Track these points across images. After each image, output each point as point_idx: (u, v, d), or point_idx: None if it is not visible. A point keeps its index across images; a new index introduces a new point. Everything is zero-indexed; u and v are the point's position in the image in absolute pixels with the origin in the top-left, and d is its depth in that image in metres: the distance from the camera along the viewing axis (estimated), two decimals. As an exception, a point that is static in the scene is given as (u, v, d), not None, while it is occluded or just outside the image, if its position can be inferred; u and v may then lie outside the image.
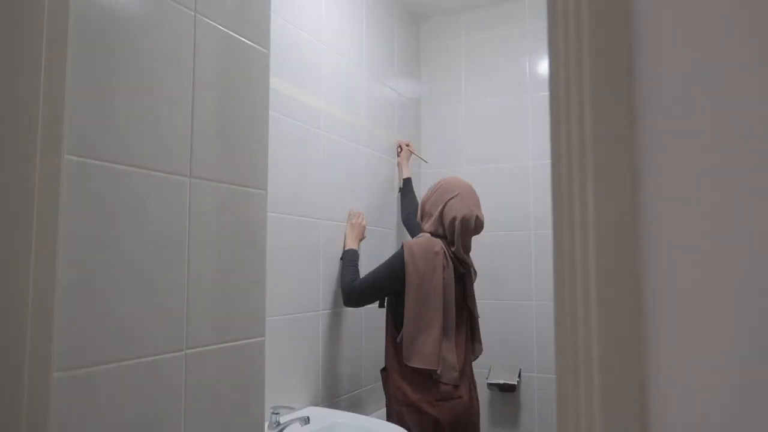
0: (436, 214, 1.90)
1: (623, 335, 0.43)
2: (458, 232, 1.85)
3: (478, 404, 1.94)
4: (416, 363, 1.81)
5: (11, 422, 0.76)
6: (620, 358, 0.43)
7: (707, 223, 0.42)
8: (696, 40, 0.43)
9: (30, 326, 0.76)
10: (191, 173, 0.97)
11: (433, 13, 2.84)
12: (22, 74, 0.82)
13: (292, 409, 1.66)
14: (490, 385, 2.49)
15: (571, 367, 0.46)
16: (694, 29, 0.43)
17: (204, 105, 1.00)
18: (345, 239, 2.10)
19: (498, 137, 2.67)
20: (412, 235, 2.22)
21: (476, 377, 2.09)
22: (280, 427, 1.56)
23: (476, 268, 2.07)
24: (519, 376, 2.50)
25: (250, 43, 1.11)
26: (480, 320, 2.05)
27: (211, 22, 1.02)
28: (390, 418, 1.88)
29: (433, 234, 1.91)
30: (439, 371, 1.81)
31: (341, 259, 2.06)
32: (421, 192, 2.70)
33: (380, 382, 2.37)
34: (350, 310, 2.14)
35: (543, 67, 2.60)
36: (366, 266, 2.19)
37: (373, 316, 2.33)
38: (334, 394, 2.04)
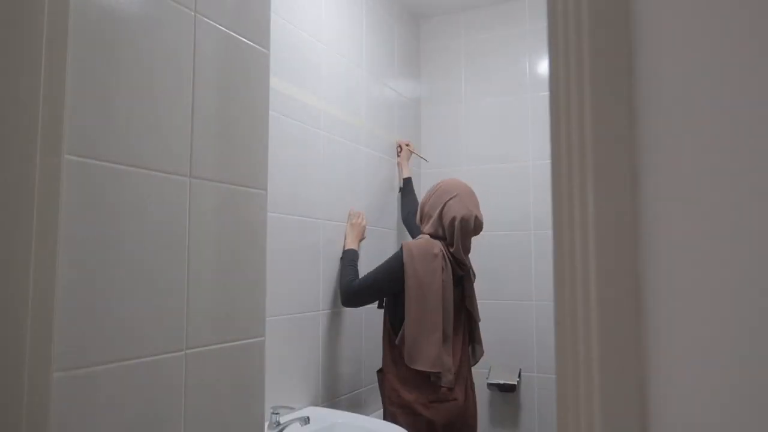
0: (435, 215, 1.90)
1: (623, 335, 0.43)
2: (458, 233, 1.85)
3: (474, 407, 1.94)
4: (420, 366, 1.81)
5: (11, 422, 0.76)
6: (620, 358, 0.43)
7: (707, 223, 0.42)
8: (696, 40, 0.43)
9: (30, 326, 0.76)
10: (191, 173, 0.97)
11: (433, 13, 2.84)
12: (22, 74, 0.82)
13: (292, 409, 1.66)
14: (490, 385, 2.49)
15: (571, 367, 0.46)
16: (694, 29, 0.43)
17: (204, 105, 1.00)
18: (345, 239, 2.10)
19: (498, 137, 2.67)
20: (412, 235, 2.22)
21: (476, 377, 2.10)
22: (280, 427, 1.56)
23: (475, 270, 2.07)
24: (519, 376, 2.50)
25: (250, 43, 1.11)
26: (480, 321, 2.04)
27: (211, 22, 1.02)
28: (385, 419, 1.88)
29: (433, 235, 1.91)
30: (444, 380, 1.81)
31: (341, 259, 2.06)
32: (421, 192, 2.70)
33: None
34: (350, 310, 2.14)
35: (543, 67, 2.60)
36: (366, 266, 2.19)
37: (372, 316, 2.33)
38: (334, 394, 2.04)
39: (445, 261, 1.85)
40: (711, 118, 0.42)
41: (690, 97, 0.43)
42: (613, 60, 0.45)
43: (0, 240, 0.81)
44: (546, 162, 2.44)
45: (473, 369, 2.02)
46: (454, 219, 1.85)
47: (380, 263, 1.93)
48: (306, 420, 1.58)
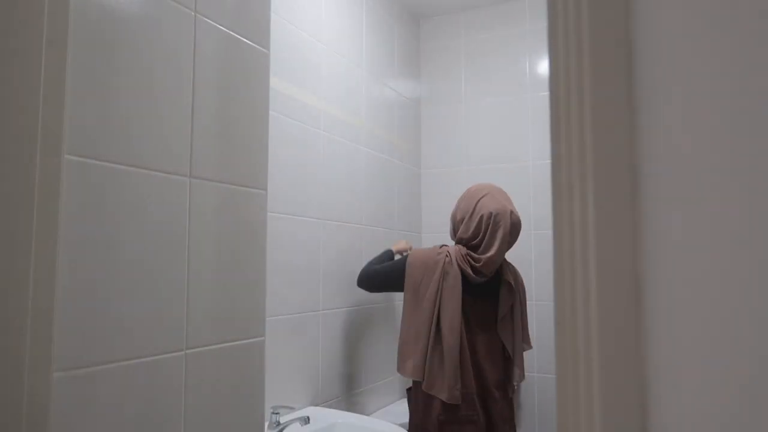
0: (467, 216, 1.82)
1: (623, 335, 0.43)
2: (490, 229, 1.76)
3: (509, 429, 1.80)
4: (403, 372, 1.79)
5: (11, 422, 0.76)
6: (620, 358, 0.43)
7: (707, 223, 0.42)
8: (696, 40, 0.43)
9: (30, 326, 0.76)
10: (191, 173, 0.97)
11: (433, 13, 2.84)
12: (22, 74, 0.82)
13: (292, 409, 1.66)
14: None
15: (571, 367, 0.46)
16: (695, 29, 0.43)
17: (204, 105, 1.00)
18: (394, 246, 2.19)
19: (498, 137, 2.67)
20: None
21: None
22: (280, 427, 1.56)
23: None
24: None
25: (250, 43, 1.11)
26: (531, 347, 1.96)
27: (211, 22, 1.02)
28: None
29: (464, 240, 1.83)
30: (424, 383, 1.73)
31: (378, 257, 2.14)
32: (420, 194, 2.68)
33: (380, 382, 2.38)
34: (350, 310, 2.14)
35: (543, 67, 2.60)
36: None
37: (372, 315, 2.33)
38: (334, 394, 2.04)
39: (451, 266, 1.77)
40: (711, 118, 0.42)
41: (690, 97, 0.43)
42: (613, 60, 0.45)
43: (0, 240, 0.81)
44: (546, 162, 2.44)
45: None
46: (483, 216, 1.77)
47: (386, 264, 1.96)
48: (306, 420, 1.58)
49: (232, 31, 1.07)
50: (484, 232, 1.78)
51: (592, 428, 0.44)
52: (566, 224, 0.47)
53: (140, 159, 0.88)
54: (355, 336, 2.19)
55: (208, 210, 1.00)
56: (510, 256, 2.56)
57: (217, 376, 1.00)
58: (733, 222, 0.41)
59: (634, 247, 0.44)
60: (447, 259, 1.79)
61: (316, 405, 1.91)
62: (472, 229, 1.80)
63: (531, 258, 2.53)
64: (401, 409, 2.26)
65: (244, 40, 1.10)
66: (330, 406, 1.97)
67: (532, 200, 2.54)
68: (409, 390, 1.89)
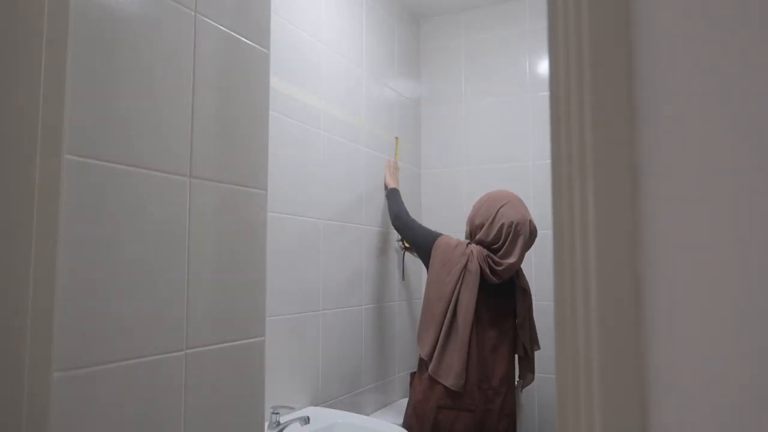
0: (487, 223, 1.91)
1: (623, 335, 0.43)
2: (511, 237, 1.86)
3: (501, 426, 1.86)
4: (420, 346, 1.90)
5: (11, 422, 0.76)
6: (620, 358, 0.43)
7: (707, 223, 0.42)
8: (696, 40, 0.43)
9: (30, 326, 0.76)
10: (191, 173, 0.97)
11: (433, 13, 2.84)
12: (22, 74, 0.82)
13: (292, 409, 1.66)
14: (490, 385, 2.48)
15: (571, 367, 0.46)
16: (695, 29, 0.43)
17: (204, 105, 1.00)
18: (386, 181, 2.41)
19: (498, 137, 2.67)
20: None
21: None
22: (280, 427, 1.56)
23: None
24: (519, 376, 2.50)
25: (250, 43, 1.11)
26: (539, 349, 2.04)
27: (211, 22, 1.02)
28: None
29: (483, 242, 1.91)
30: (431, 367, 1.83)
31: (387, 196, 2.35)
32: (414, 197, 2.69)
33: (380, 382, 2.38)
34: (350, 310, 2.14)
35: (543, 67, 2.60)
36: (366, 269, 2.19)
37: (372, 315, 2.33)
38: (334, 394, 2.04)
39: (473, 264, 1.86)
40: (711, 118, 0.42)
41: (690, 97, 0.43)
42: (613, 60, 0.45)
43: (0, 240, 0.81)
44: (546, 162, 2.44)
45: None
46: (504, 224, 1.87)
47: (421, 228, 2.10)
48: (306, 420, 1.58)
49: (232, 31, 1.07)
50: (505, 239, 1.87)
51: (592, 428, 0.44)
52: (566, 224, 0.47)
53: (140, 159, 0.88)
54: (355, 336, 2.19)
55: (208, 210, 1.00)
56: (510, 256, 2.56)
57: (217, 376, 1.00)
58: (733, 222, 0.41)
59: (634, 247, 0.44)
60: (470, 255, 1.88)
61: (316, 405, 1.91)
62: (492, 234, 1.89)
63: (531, 258, 2.53)
64: (401, 409, 2.26)
65: (244, 40, 1.10)
66: (330, 406, 1.97)
67: (532, 200, 2.53)
68: (413, 374, 1.99)
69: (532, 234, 1.90)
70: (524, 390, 2.51)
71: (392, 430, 1.69)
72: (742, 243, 0.41)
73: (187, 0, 0.97)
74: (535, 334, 2.04)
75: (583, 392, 0.45)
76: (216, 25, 1.03)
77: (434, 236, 2.01)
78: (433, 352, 1.85)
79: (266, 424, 1.56)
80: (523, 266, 2.06)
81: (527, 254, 2.48)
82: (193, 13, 0.98)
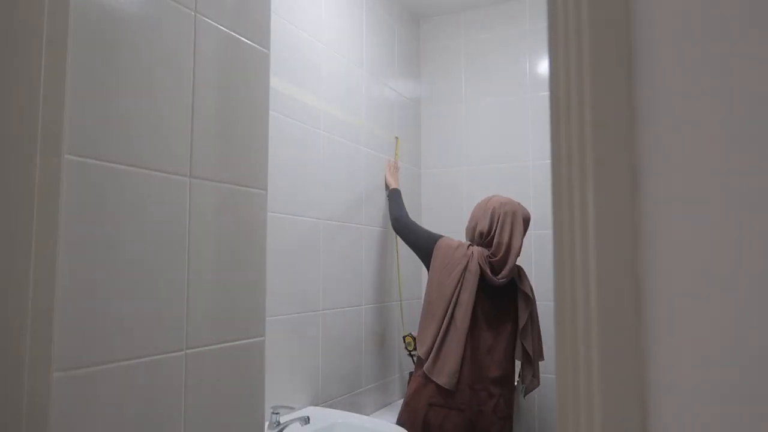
0: (482, 218, 1.97)
1: (623, 335, 0.43)
2: (500, 218, 1.92)
3: (493, 429, 1.85)
4: (418, 348, 1.92)
5: (11, 422, 0.76)
6: (620, 358, 0.43)
7: (707, 223, 0.42)
8: (696, 40, 0.43)
9: (30, 326, 0.76)
10: (191, 173, 0.97)
11: (433, 13, 2.84)
12: (22, 74, 0.82)
13: (292, 409, 1.66)
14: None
15: (571, 367, 0.46)
16: (695, 29, 0.43)
17: (204, 105, 1.00)
18: (387, 181, 2.42)
19: (498, 137, 2.67)
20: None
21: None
22: (280, 427, 1.56)
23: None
24: (519, 375, 2.50)
25: (250, 43, 1.11)
26: (543, 360, 2.04)
27: (211, 22, 1.02)
28: None
29: (482, 234, 1.96)
30: (426, 365, 1.85)
31: (388, 196, 2.36)
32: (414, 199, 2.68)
33: (380, 382, 2.38)
34: (350, 310, 2.14)
35: (543, 67, 2.60)
36: (366, 270, 2.19)
37: (373, 315, 2.33)
38: (334, 394, 2.04)
39: (473, 264, 1.89)
40: (711, 118, 0.42)
41: (690, 97, 0.43)
42: (613, 60, 0.45)
43: (0, 240, 0.81)
44: (546, 162, 2.44)
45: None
46: (495, 209, 1.94)
47: (422, 230, 2.11)
48: (306, 420, 1.58)
49: (232, 31, 1.07)
50: (496, 222, 1.93)
51: (592, 428, 0.44)
52: (566, 224, 0.47)
53: (140, 159, 0.88)
54: (355, 336, 2.19)
55: (208, 210, 1.00)
56: (510, 256, 2.56)
57: (217, 376, 1.00)
58: (733, 221, 0.41)
59: (634, 247, 0.44)
60: (471, 256, 1.91)
61: (316, 405, 1.91)
62: (486, 224, 1.95)
63: (531, 258, 2.53)
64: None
65: (244, 40, 1.10)
66: (330, 406, 1.97)
67: (532, 200, 2.53)
68: (410, 374, 2.03)
69: (525, 216, 1.96)
70: (528, 392, 2.51)
71: (392, 430, 1.69)
72: (741, 243, 0.41)
73: (187, 0, 0.97)
74: (540, 344, 2.02)
75: (583, 392, 0.45)
76: (216, 25, 1.03)
77: (435, 238, 2.03)
78: (431, 350, 1.86)
79: (266, 424, 1.56)
80: (524, 267, 2.06)
81: (527, 254, 2.49)
82: (193, 13, 0.98)
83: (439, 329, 1.86)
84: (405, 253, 2.46)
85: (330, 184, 2.05)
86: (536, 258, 2.53)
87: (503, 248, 1.90)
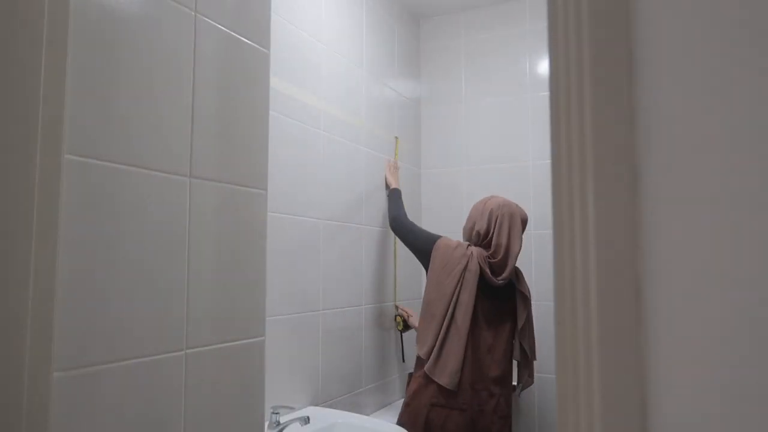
0: (479, 219, 1.97)
1: (623, 335, 0.43)
2: (498, 219, 1.92)
3: (494, 428, 1.85)
4: (418, 349, 1.92)
5: (11, 422, 0.76)
6: (620, 358, 0.43)
7: (707, 223, 0.42)
8: (696, 40, 0.43)
9: (30, 326, 0.76)
10: (191, 173, 0.97)
11: (433, 13, 2.84)
12: (22, 74, 0.82)
13: (292, 409, 1.66)
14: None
15: (571, 367, 0.46)
16: (695, 29, 0.43)
17: (204, 105, 1.00)
18: (387, 180, 2.42)
19: (498, 137, 2.67)
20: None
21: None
22: (280, 426, 1.56)
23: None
24: (518, 380, 2.50)
25: (250, 43, 1.11)
26: (536, 359, 2.06)
27: (211, 21, 1.02)
28: None
29: (480, 235, 1.96)
30: (427, 365, 1.85)
31: (389, 195, 2.36)
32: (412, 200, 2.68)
33: (380, 382, 2.38)
34: (350, 310, 2.14)
35: (543, 67, 2.60)
36: (366, 268, 2.18)
37: (372, 315, 2.33)
38: (334, 394, 2.04)
39: (473, 264, 1.89)
40: (711, 118, 0.42)
41: (690, 97, 0.43)
42: (613, 60, 0.45)
43: (0, 240, 0.81)
44: (546, 162, 2.44)
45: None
46: (492, 210, 1.94)
47: (421, 231, 2.11)
48: (306, 420, 1.58)
49: (232, 31, 1.07)
50: (494, 223, 1.93)
51: (592, 428, 0.44)
52: (566, 224, 0.47)
53: (140, 159, 0.88)
54: (355, 336, 2.19)
55: (208, 210, 1.00)
56: (510, 256, 2.56)
57: (217, 376, 1.00)
58: (733, 221, 0.41)
59: (634, 247, 0.44)
60: (470, 256, 1.91)
61: (316, 405, 1.91)
62: (484, 225, 1.95)
63: (531, 258, 2.53)
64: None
65: (244, 40, 1.10)
66: (330, 406, 1.97)
67: (532, 200, 2.54)
68: (410, 374, 2.01)
69: (522, 217, 1.97)
70: (521, 395, 2.51)
71: (392, 430, 1.69)
72: (741, 242, 0.41)
73: (187, 0, 0.97)
74: (533, 344, 2.05)
75: (583, 392, 0.45)
76: (216, 25, 1.03)
77: (434, 238, 2.03)
78: (432, 351, 1.86)
79: (266, 424, 1.56)
80: (524, 266, 2.06)
81: (527, 254, 2.49)
82: (193, 13, 0.98)
83: (440, 329, 1.86)
84: (404, 253, 2.46)
85: (330, 184, 2.05)
86: (536, 258, 2.53)
87: (502, 250, 1.90)
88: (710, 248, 0.42)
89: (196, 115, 0.98)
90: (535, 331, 2.07)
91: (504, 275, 1.91)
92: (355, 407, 2.15)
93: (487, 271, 1.89)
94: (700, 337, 0.42)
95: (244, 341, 1.07)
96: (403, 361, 2.55)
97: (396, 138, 2.59)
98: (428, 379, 1.85)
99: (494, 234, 1.92)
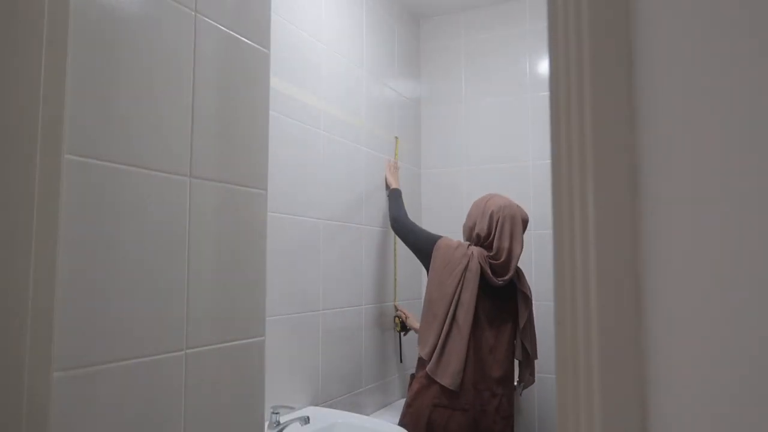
0: (479, 219, 1.96)
1: (623, 335, 0.43)
2: (500, 221, 1.92)
3: (496, 428, 1.85)
4: (420, 349, 1.91)
5: (11, 422, 0.76)
6: (620, 358, 0.43)
7: (707, 223, 0.42)
8: (696, 40, 0.43)
9: (30, 326, 0.76)
10: (191, 173, 0.97)
11: (433, 13, 2.84)
12: (22, 74, 0.82)
13: (292, 409, 1.66)
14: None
15: (571, 367, 0.46)
16: (695, 29, 0.43)
17: (204, 105, 1.00)
18: (387, 180, 2.42)
19: (498, 137, 2.67)
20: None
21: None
22: (280, 426, 1.56)
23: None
24: (519, 379, 2.50)
25: (250, 43, 1.11)
26: (537, 358, 2.06)
27: (211, 21, 1.02)
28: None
29: (480, 237, 1.95)
30: (429, 366, 1.84)
31: (389, 195, 2.36)
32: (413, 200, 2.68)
33: (380, 382, 2.38)
34: (350, 310, 2.14)
35: (543, 67, 2.60)
36: (366, 268, 2.18)
37: (372, 315, 2.33)
38: (334, 394, 2.04)
39: (473, 264, 1.88)
40: (711, 118, 0.42)
41: (690, 97, 0.43)
42: (613, 60, 0.45)
43: (0, 240, 0.81)
44: (546, 162, 2.44)
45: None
46: (494, 212, 1.93)
47: (421, 231, 2.11)
48: (306, 420, 1.58)
49: (232, 31, 1.07)
50: (495, 225, 1.92)
51: (592, 428, 0.44)
52: (566, 224, 0.47)
53: (140, 159, 0.88)
54: (355, 336, 2.19)
55: (208, 210, 1.00)
56: (510, 256, 2.56)
57: (217, 376, 1.00)
58: (733, 221, 0.41)
59: (634, 247, 0.44)
60: (471, 256, 1.90)
61: (316, 405, 1.91)
62: (485, 226, 1.94)
63: (531, 258, 2.53)
64: (401, 409, 2.26)
65: (244, 40, 1.10)
66: (330, 406, 1.97)
67: (532, 200, 2.54)
68: (412, 375, 2.00)
69: (523, 218, 1.96)
70: (522, 393, 2.51)
71: (392, 430, 1.69)
72: (742, 242, 0.41)
73: (187, 0, 0.97)
74: (535, 343, 2.05)
75: (583, 392, 0.45)
76: (216, 25, 1.03)
77: (434, 238, 2.02)
78: (434, 351, 1.86)
79: (266, 424, 1.56)
80: (523, 266, 2.06)
81: (527, 254, 2.49)
82: (193, 13, 0.98)
83: (441, 330, 1.86)
84: (404, 253, 2.46)
85: (330, 184, 2.05)
86: (536, 258, 2.53)
87: (504, 253, 1.90)
88: (710, 248, 0.42)
89: (196, 115, 0.98)
90: (536, 336, 2.07)
91: (506, 277, 1.91)
92: (355, 407, 2.15)
93: (488, 270, 1.89)
94: (700, 337, 0.42)
95: (244, 341, 1.07)
96: (401, 361, 2.55)
97: (396, 138, 2.59)
98: (430, 380, 1.84)
99: (495, 237, 1.92)
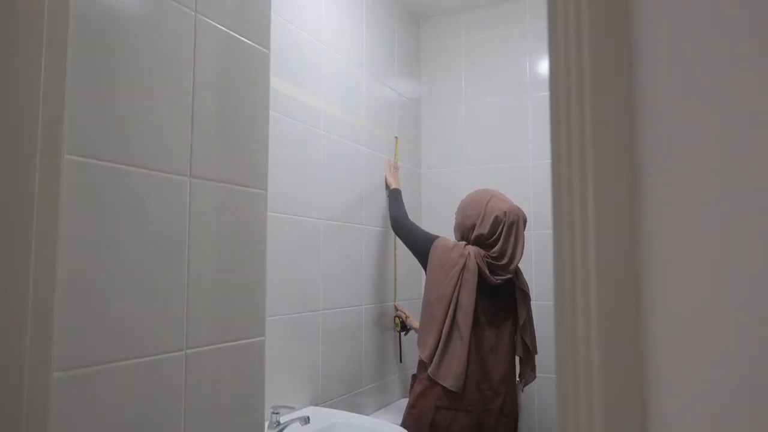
0: (479, 220, 1.93)
1: (623, 335, 0.43)
2: (505, 227, 1.89)
3: (499, 427, 1.85)
4: (420, 351, 1.90)
5: (11, 422, 0.76)
6: (620, 358, 0.43)
7: (707, 223, 0.42)
8: (696, 40, 0.43)
9: (30, 326, 0.76)
10: (191, 173, 0.97)
11: (433, 13, 2.84)
12: (22, 74, 0.82)
13: (292, 409, 1.66)
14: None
15: (571, 367, 0.46)
16: (695, 29, 0.43)
17: (204, 105, 1.00)
18: (387, 181, 2.42)
19: (498, 137, 2.67)
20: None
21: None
22: (280, 427, 1.56)
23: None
24: (519, 375, 2.50)
25: (250, 43, 1.11)
26: (537, 353, 2.06)
27: (211, 21, 1.02)
28: None
29: (478, 238, 1.93)
30: (431, 368, 1.83)
31: (389, 195, 2.36)
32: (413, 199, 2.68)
33: (380, 382, 2.38)
34: (350, 310, 2.14)
35: (543, 67, 2.60)
36: (366, 267, 2.18)
37: (372, 315, 2.33)
38: (334, 394, 2.04)
39: (471, 264, 1.87)
40: (711, 118, 0.42)
41: (690, 97, 0.43)
42: (613, 60, 0.45)
43: (0, 240, 0.81)
44: (546, 162, 2.44)
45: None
46: (497, 216, 1.90)
47: (419, 231, 2.09)
48: (306, 420, 1.58)
49: (232, 31, 1.07)
50: (501, 230, 1.90)
51: (592, 428, 0.44)
52: (566, 224, 0.47)
53: (140, 159, 0.88)
54: (355, 336, 2.19)
55: (208, 210, 1.00)
56: (510, 256, 2.56)
57: (217, 376, 1.00)
58: (733, 221, 0.41)
59: (634, 247, 0.44)
60: (468, 255, 1.89)
61: (316, 405, 1.91)
62: (487, 229, 1.91)
63: (531, 258, 2.53)
64: (401, 409, 2.26)
65: (244, 40, 1.10)
66: (330, 406, 1.97)
67: (532, 200, 2.54)
68: (414, 376, 1.99)
69: (525, 221, 1.96)
70: (524, 390, 2.51)
71: (392, 430, 1.69)
72: (742, 242, 0.41)
73: (187, 0, 0.97)
74: (534, 338, 2.05)
75: (583, 392, 0.45)
76: (216, 25, 1.03)
77: (432, 238, 2.02)
78: (434, 353, 1.85)
79: (266, 424, 1.56)
80: (523, 266, 2.06)
81: (527, 254, 2.49)
82: (193, 13, 0.98)
83: (441, 331, 1.85)
84: (404, 253, 2.46)
85: (330, 184, 2.05)
86: (536, 258, 2.53)
87: (507, 257, 1.89)
88: (710, 248, 0.42)
89: (196, 115, 0.98)
90: (535, 331, 2.07)
91: (506, 277, 1.90)
92: (355, 407, 2.15)
93: (485, 269, 1.88)
94: (700, 337, 0.42)
95: (244, 341, 1.07)
96: (401, 361, 2.55)
97: (396, 138, 2.59)
98: (432, 382, 1.84)
99: (501, 241, 1.90)
